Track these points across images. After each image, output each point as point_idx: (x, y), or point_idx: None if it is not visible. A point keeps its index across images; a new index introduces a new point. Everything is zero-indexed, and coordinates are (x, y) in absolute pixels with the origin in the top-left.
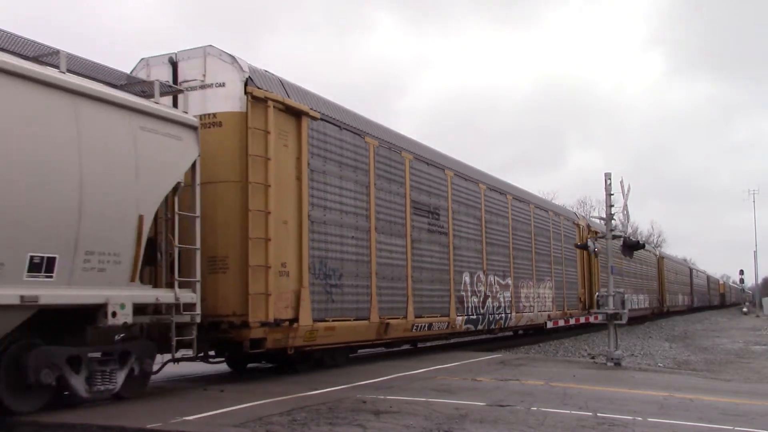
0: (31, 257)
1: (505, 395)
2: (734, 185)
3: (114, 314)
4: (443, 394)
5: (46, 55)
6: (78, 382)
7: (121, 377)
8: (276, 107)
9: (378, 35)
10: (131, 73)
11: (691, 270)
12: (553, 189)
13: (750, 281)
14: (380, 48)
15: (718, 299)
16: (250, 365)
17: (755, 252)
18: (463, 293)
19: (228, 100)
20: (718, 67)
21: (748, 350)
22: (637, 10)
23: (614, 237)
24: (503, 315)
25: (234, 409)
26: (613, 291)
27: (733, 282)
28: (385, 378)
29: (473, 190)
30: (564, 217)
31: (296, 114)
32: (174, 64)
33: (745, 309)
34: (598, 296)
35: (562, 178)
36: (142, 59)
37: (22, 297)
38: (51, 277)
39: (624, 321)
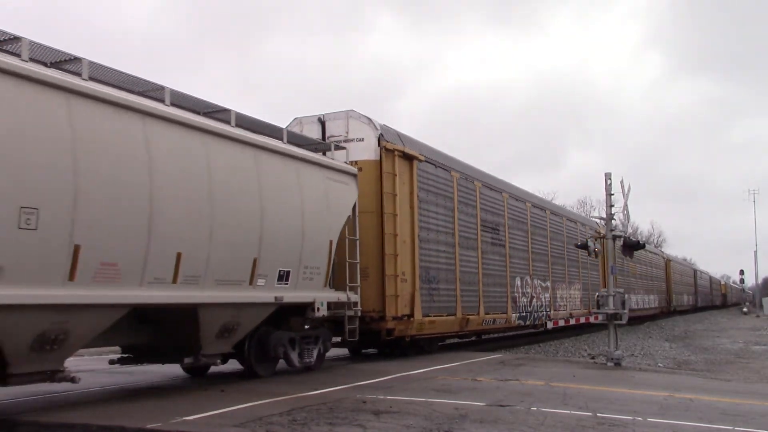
0: (279, 271)
1: (505, 395)
2: (734, 185)
3: (318, 309)
4: (443, 394)
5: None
6: (294, 356)
7: (315, 354)
8: (398, 155)
9: (377, 36)
10: (287, 127)
11: (695, 271)
12: (553, 189)
13: (750, 281)
14: (380, 49)
15: (720, 299)
16: (363, 351)
17: (755, 252)
18: (516, 294)
19: (366, 151)
20: (717, 67)
21: (748, 350)
22: (636, 10)
23: (614, 237)
24: (544, 312)
25: (234, 409)
26: (613, 291)
27: (734, 282)
28: (385, 378)
29: (521, 208)
30: (588, 227)
31: (409, 158)
32: (322, 123)
33: (745, 309)
34: (598, 296)
35: (562, 178)
36: (296, 118)
37: (276, 297)
38: (287, 284)
39: (624, 321)
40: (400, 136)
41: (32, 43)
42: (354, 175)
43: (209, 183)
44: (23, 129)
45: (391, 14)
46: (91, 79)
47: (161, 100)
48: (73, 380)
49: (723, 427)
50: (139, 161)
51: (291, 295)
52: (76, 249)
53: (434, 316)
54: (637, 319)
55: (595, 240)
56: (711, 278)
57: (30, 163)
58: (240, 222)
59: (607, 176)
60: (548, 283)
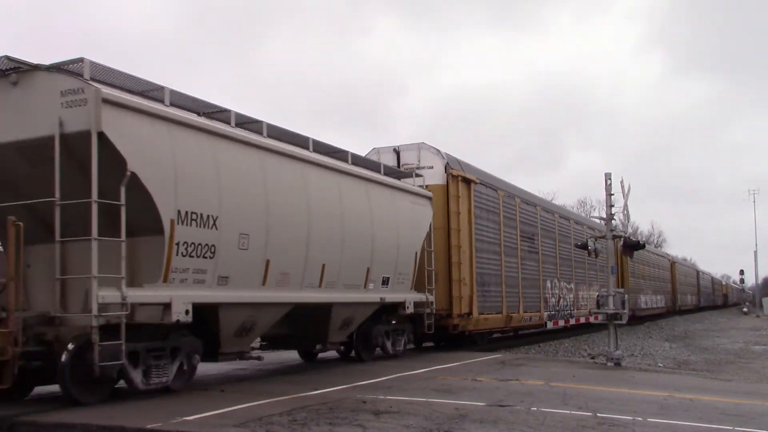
0: (382, 277)
1: (505, 395)
2: (733, 186)
3: (408, 307)
4: (443, 394)
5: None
6: (388, 345)
7: (402, 344)
8: (460, 179)
9: (377, 36)
10: (365, 155)
11: (697, 272)
12: (553, 189)
13: (750, 281)
14: (379, 49)
15: (722, 299)
16: (424, 344)
17: (755, 252)
18: (547, 295)
19: (435, 177)
20: (717, 67)
21: (748, 350)
22: (636, 10)
23: (614, 237)
24: (569, 311)
25: (234, 409)
26: (613, 291)
27: (734, 282)
28: (385, 378)
29: (550, 219)
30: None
31: (468, 182)
32: (397, 153)
33: (745, 309)
34: (598, 296)
35: (562, 179)
36: (374, 148)
37: (381, 298)
38: (387, 287)
39: (624, 321)
40: (460, 163)
41: (173, 92)
42: (430, 198)
43: (341, 211)
44: (245, 179)
45: (390, 15)
46: (237, 125)
47: (307, 148)
48: (259, 358)
49: (723, 427)
50: (302, 199)
51: (390, 296)
52: (267, 263)
53: (486, 314)
54: (648, 318)
55: (596, 240)
56: (713, 279)
57: (245, 202)
58: (359, 240)
59: (607, 176)
60: (572, 285)
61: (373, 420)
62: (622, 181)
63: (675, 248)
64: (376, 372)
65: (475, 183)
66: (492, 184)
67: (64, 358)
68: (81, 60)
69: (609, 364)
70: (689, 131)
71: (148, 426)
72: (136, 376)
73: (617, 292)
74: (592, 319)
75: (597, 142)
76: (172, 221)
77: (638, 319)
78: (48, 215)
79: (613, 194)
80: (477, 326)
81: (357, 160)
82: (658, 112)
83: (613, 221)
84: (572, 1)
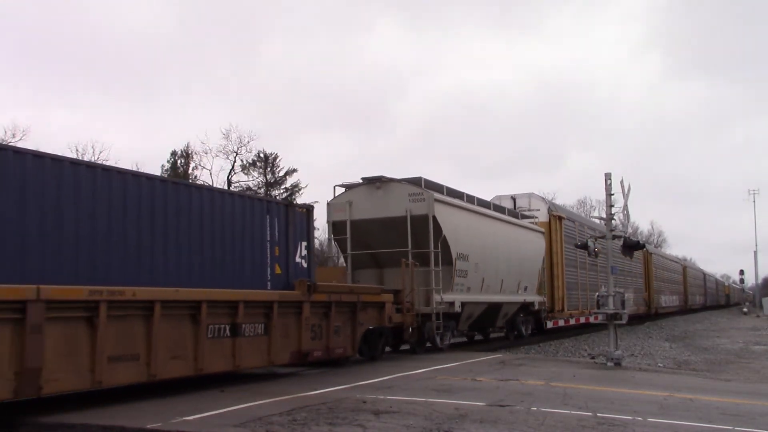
0: (525, 286)
1: (505, 395)
2: (732, 186)
3: (535, 305)
4: (443, 394)
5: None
6: (523, 329)
7: (529, 329)
8: (557, 217)
9: (376, 37)
10: (490, 200)
11: (704, 275)
12: (553, 189)
13: (750, 281)
14: (379, 50)
15: (725, 299)
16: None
17: (755, 252)
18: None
19: (542, 216)
20: (716, 67)
21: (748, 350)
22: (635, 11)
23: (614, 237)
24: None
25: (234, 409)
26: (613, 291)
27: (733, 282)
28: (385, 378)
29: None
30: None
31: (560, 219)
32: (514, 200)
33: (745, 309)
34: (598, 296)
35: (562, 179)
36: (496, 196)
37: (524, 299)
38: (526, 292)
39: (624, 321)
40: (555, 206)
41: (455, 191)
42: (542, 233)
43: (507, 245)
44: (475, 231)
45: (390, 16)
46: (478, 203)
47: (506, 212)
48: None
49: (723, 427)
50: (492, 240)
51: (528, 298)
52: (483, 279)
53: (571, 310)
54: (666, 315)
55: (596, 240)
56: (716, 280)
57: (476, 245)
58: (515, 262)
59: (607, 176)
60: (618, 287)
61: (373, 420)
62: (622, 181)
63: (675, 248)
64: (377, 372)
65: (564, 219)
66: (571, 218)
67: (411, 330)
68: (419, 179)
69: (609, 364)
70: (689, 131)
71: (148, 426)
72: (439, 340)
73: (617, 292)
74: (592, 319)
75: (597, 143)
76: (455, 258)
77: (659, 315)
78: (383, 257)
79: (613, 194)
80: (581, 320)
81: (508, 211)
82: (657, 113)
83: (613, 221)
84: (572, 2)
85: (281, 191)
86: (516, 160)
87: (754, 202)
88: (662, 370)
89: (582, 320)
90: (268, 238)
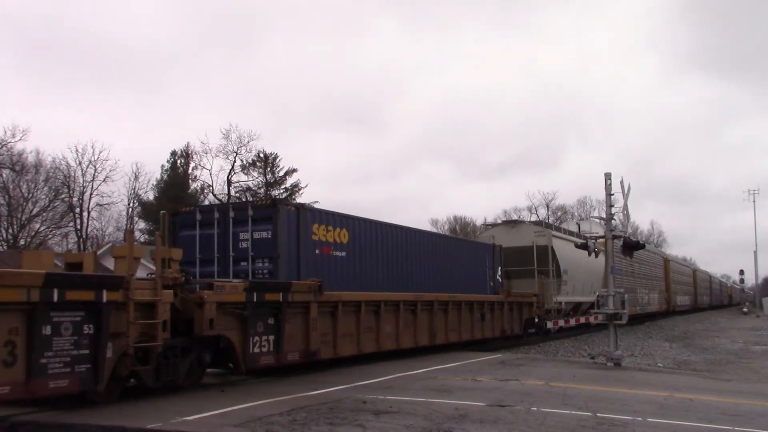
0: (591, 287)
1: (505, 395)
2: (733, 186)
3: (590, 305)
4: (443, 394)
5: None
6: (591, 318)
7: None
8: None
9: (377, 38)
10: (562, 224)
11: (710, 278)
12: (553, 189)
13: (750, 281)
14: (379, 51)
15: (727, 299)
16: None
17: (755, 252)
18: (639, 297)
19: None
20: (715, 68)
21: (748, 350)
22: (634, 12)
23: (614, 237)
24: (649, 306)
25: (234, 409)
26: (613, 291)
27: (733, 282)
28: (385, 378)
29: (649, 261)
30: (660, 256)
31: (633, 247)
32: (578, 224)
33: (745, 309)
34: (598, 296)
35: (562, 179)
36: (565, 222)
37: (594, 300)
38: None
39: (624, 321)
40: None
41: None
42: (603, 250)
43: (585, 262)
44: (570, 252)
45: (390, 17)
46: (568, 233)
47: (573, 235)
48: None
49: (723, 427)
50: (577, 256)
51: (588, 299)
52: (582, 287)
53: (629, 306)
54: (681, 312)
55: (596, 240)
56: (721, 282)
57: (572, 262)
58: (588, 271)
59: (607, 176)
60: (646, 290)
61: (373, 420)
62: (621, 181)
63: (675, 248)
64: (376, 372)
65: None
66: (618, 236)
67: (537, 319)
68: (541, 221)
69: (609, 364)
70: (688, 132)
71: (148, 426)
72: (551, 325)
73: (617, 292)
74: (592, 320)
75: (597, 143)
76: (563, 272)
77: (676, 313)
78: (512, 273)
79: (613, 194)
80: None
81: (581, 235)
82: (657, 113)
83: (613, 221)
84: (571, 3)
85: (281, 191)
86: (516, 160)
87: (754, 202)
88: (662, 370)
89: (582, 320)
90: (487, 265)
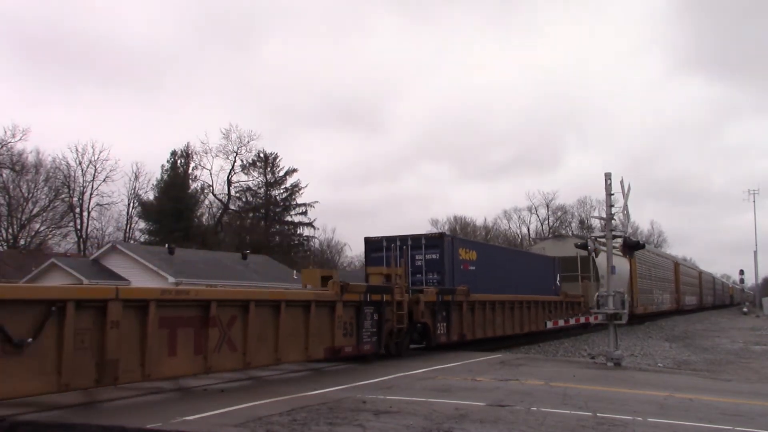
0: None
1: (505, 395)
2: (732, 186)
3: (626, 303)
4: (443, 394)
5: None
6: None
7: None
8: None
9: (376, 38)
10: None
11: (713, 278)
12: (553, 189)
13: (750, 281)
14: (378, 51)
15: (729, 299)
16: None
17: (755, 252)
18: (655, 297)
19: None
20: (714, 68)
21: (748, 350)
22: (633, 12)
23: (614, 237)
24: (665, 305)
25: (234, 409)
26: (613, 291)
27: (733, 282)
28: (385, 378)
29: (659, 262)
30: (671, 260)
31: (633, 248)
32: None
33: (745, 309)
34: (598, 296)
35: (562, 179)
36: (591, 235)
37: (623, 299)
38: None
39: (624, 321)
40: (628, 238)
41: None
42: (626, 259)
43: (628, 268)
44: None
45: (390, 17)
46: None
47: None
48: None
49: (723, 427)
50: (616, 263)
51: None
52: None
53: (647, 305)
54: (688, 312)
55: (595, 240)
56: (723, 283)
57: (622, 271)
58: (617, 276)
59: (607, 176)
60: (662, 291)
61: (373, 420)
62: (621, 181)
63: (675, 248)
64: (377, 372)
65: (640, 249)
66: (619, 236)
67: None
68: (585, 235)
69: (609, 364)
70: (688, 132)
71: (148, 426)
72: (592, 319)
73: (617, 292)
74: (592, 320)
75: (597, 143)
76: (601, 277)
77: (685, 311)
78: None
79: (613, 194)
80: (645, 311)
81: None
82: (656, 113)
83: (613, 221)
84: (571, 3)
85: (281, 191)
86: (516, 160)
87: (754, 202)
88: (662, 370)
89: (582, 320)
90: (551, 274)
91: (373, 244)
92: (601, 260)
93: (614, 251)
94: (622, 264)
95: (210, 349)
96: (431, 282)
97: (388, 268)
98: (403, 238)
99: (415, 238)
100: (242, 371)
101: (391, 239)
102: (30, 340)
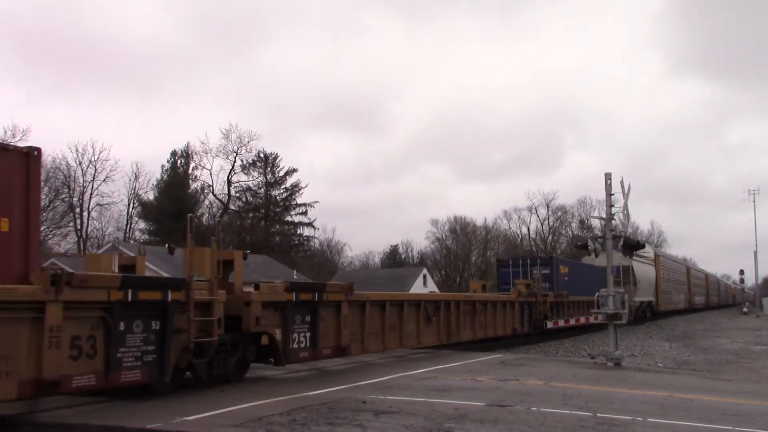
0: (647, 290)
1: (505, 395)
2: (732, 186)
3: (654, 301)
4: (443, 394)
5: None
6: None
7: (646, 316)
8: (657, 255)
9: (375, 40)
10: (592, 241)
11: (718, 280)
12: (553, 189)
13: (750, 281)
14: (378, 52)
15: (731, 299)
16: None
17: (755, 252)
18: (671, 297)
19: (651, 254)
20: (713, 69)
21: (748, 350)
22: (632, 13)
23: (614, 237)
24: (681, 304)
25: (234, 409)
26: (613, 291)
27: (734, 282)
28: (385, 378)
29: (673, 266)
30: (684, 265)
31: (658, 256)
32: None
33: (745, 309)
34: (598, 296)
35: (562, 179)
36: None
37: (650, 299)
38: (649, 296)
39: (624, 321)
40: (658, 249)
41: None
42: (653, 264)
43: (644, 272)
44: (646, 271)
45: (389, 18)
46: (638, 256)
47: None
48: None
49: (723, 427)
50: (645, 270)
51: (650, 298)
52: (644, 290)
53: (665, 304)
54: (698, 310)
55: (595, 240)
56: (726, 284)
57: (646, 277)
58: (646, 280)
59: (607, 176)
60: (677, 293)
61: (373, 420)
62: (622, 181)
63: (675, 248)
64: (377, 372)
65: (660, 257)
66: (663, 255)
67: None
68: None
69: (609, 364)
70: (688, 132)
71: (148, 426)
72: (626, 319)
73: (617, 292)
74: (592, 319)
75: (597, 143)
76: (638, 281)
77: (695, 310)
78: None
79: (613, 194)
80: (665, 309)
81: (641, 256)
82: (656, 113)
83: (613, 221)
84: (569, 4)
85: (281, 191)
86: (516, 160)
87: (753, 202)
88: (662, 370)
89: (582, 320)
90: (602, 279)
91: (502, 263)
92: (638, 267)
93: (640, 259)
94: (650, 270)
95: None
96: (544, 290)
97: (526, 280)
98: (523, 257)
99: (531, 257)
100: None
101: (514, 258)
102: None
